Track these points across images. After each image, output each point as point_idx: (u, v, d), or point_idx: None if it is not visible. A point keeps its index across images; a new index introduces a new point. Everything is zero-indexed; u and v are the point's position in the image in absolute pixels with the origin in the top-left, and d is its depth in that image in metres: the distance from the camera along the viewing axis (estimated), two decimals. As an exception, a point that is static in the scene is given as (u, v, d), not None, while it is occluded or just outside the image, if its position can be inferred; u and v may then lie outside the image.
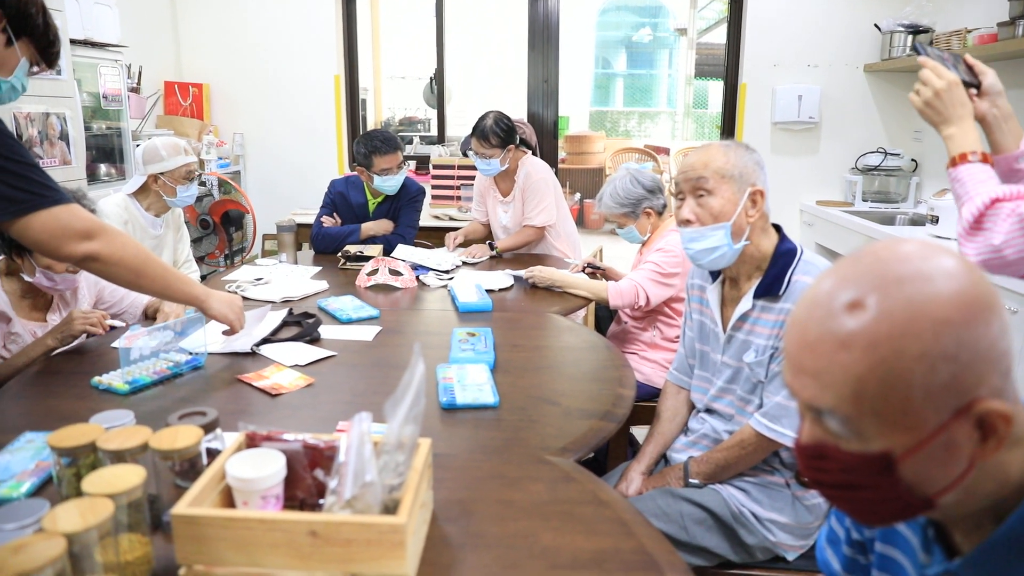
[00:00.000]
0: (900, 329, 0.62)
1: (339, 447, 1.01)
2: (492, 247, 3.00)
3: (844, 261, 0.70)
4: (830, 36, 4.30)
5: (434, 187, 4.34)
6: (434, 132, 5.53)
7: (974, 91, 1.32)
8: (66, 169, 2.94)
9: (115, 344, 1.87)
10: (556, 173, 4.67)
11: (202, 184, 4.02)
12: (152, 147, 2.67)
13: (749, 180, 1.53)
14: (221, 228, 3.77)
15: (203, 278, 3.94)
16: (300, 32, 4.55)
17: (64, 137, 2.95)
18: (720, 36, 8.30)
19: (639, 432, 2.42)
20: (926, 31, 4.02)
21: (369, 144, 2.90)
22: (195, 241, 3.85)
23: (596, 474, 1.26)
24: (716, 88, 9.28)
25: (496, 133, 2.99)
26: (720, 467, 1.59)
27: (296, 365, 1.74)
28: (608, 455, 2.21)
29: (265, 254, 4.61)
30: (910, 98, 1.33)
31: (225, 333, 1.77)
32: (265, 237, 4.62)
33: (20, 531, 0.92)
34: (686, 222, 1.56)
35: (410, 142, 5.08)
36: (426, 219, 3.65)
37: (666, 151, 8.30)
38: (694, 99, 9.65)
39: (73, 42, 3.07)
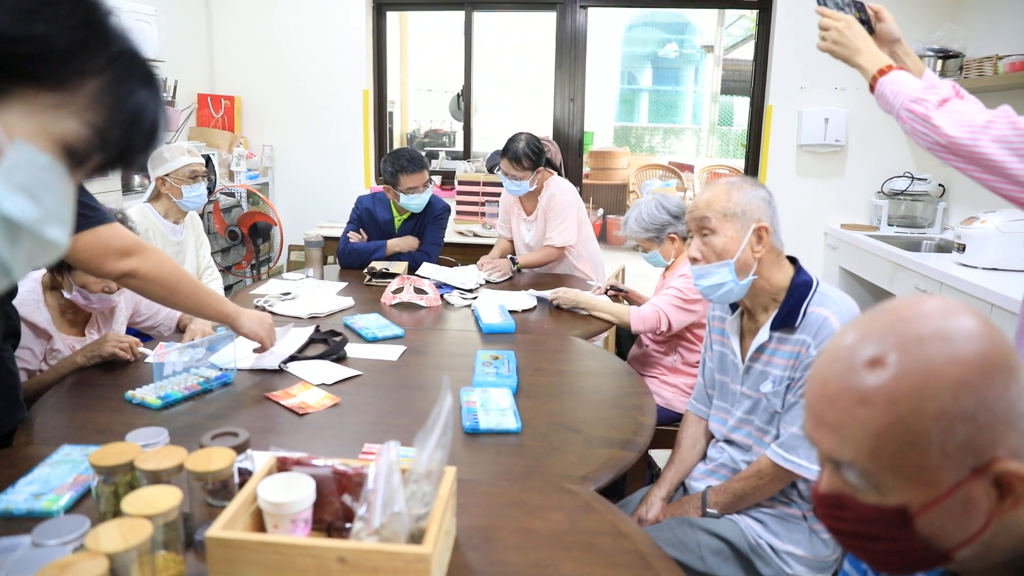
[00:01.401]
0: (919, 388, 0.64)
1: (367, 474, 1.04)
2: (514, 262, 3.03)
3: (866, 316, 0.72)
4: (858, 59, 4.29)
5: (459, 203, 4.39)
6: (459, 147, 5.59)
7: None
8: (102, 181, 3.02)
9: (148, 359, 1.92)
10: (580, 189, 4.71)
11: (231, 195, 4.10)
12: (156, 151, 2.74)
13: (753, 217, 1.56)
14: (249, 239, 3.84)
15: (228, 289, 4.01)
16: (330, 46, 4.63)
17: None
18: (747, 53, 8.29)
19: (658, 455, 2.43)
20: (956, 56, 4.01)
21: (396, 163, 2.95)
22: (223, 251, 3.93)
23: (614, 495, 1.28)
24: (742, 104, 9.26)
25: (528, 156, 3.03)
26: (738, 497, 1.60)
27: (323, 384, 1.78)
28: (627, 478, 2.22)
29: (291, 265, 4.68)
30: (817, 45, 1.58)
31: (256, 350, 1.81)
32: (291, 248, 4.70)
33: (62, 548, 0.96)
34: (694, 260, 1.61)
35: (435, 157, 5.14)
36: (451, 235, 3.69)
37: (690, 168, 8.29)
38: (719, 116, 9.64)
39: (113, 57, 3.15)
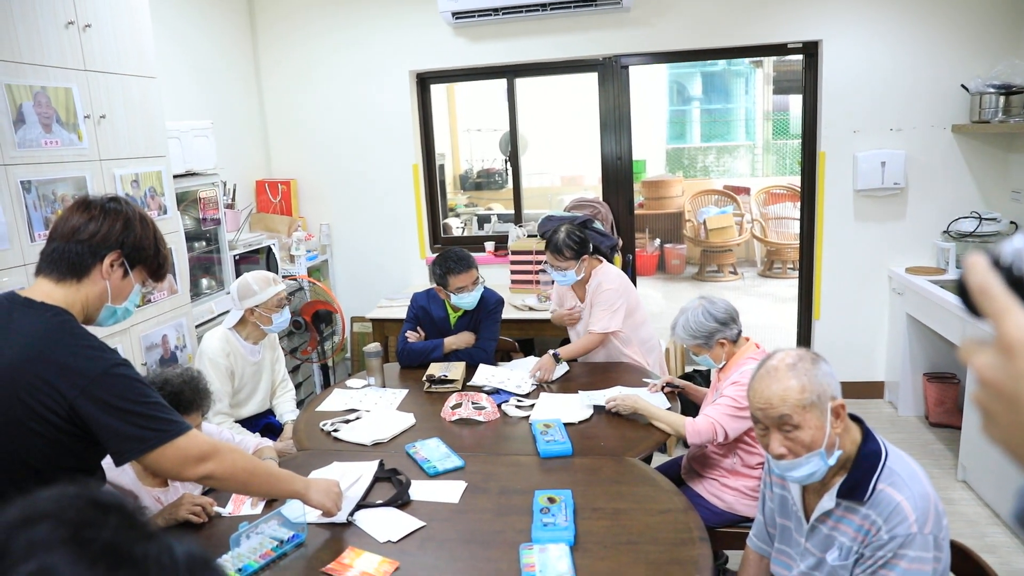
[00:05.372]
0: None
1: None
2: (556, 358, 3.03)
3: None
4: (912, 98, 4.17)
5: (513, 272, 4.44)
6: (511, 183, 5.58)
7: None
8: (173, 299, 3.18)
9: (224, 514, 2.02)
10: (632, 221, 4.69)
11: (292, 278, 4.26)
12: (245, 283, 2.88)
13: (828, 396, 1.54)
14: (312, 327, 3.98)
15: (298, 387, 4.16)
16: (378, 123, 4.76)
17: (171, 269, 3.20)
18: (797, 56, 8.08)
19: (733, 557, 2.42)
20: (1020, 92, 3.85)
21: (444, 265, 3.03)
22: (288, 335, 4.09)
23: None
24: (796, 102, 8.98)
25: (569, 246, 3.06)
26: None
27: (388, 541, 1.85)
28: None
29: (355, 338, 4.82)
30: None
31: (323, 516, 1.90)
32: (354, 320, 4.84)
33: None
34: (780, 456, 1.56)
35: (488, 220, 5.21)
36: (507, 311, 3.74)
37: (746, 191, 8.14)
38: (774, 130, 9.44)
39: (176, 176, 3.32)
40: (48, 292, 1.56)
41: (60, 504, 0.56)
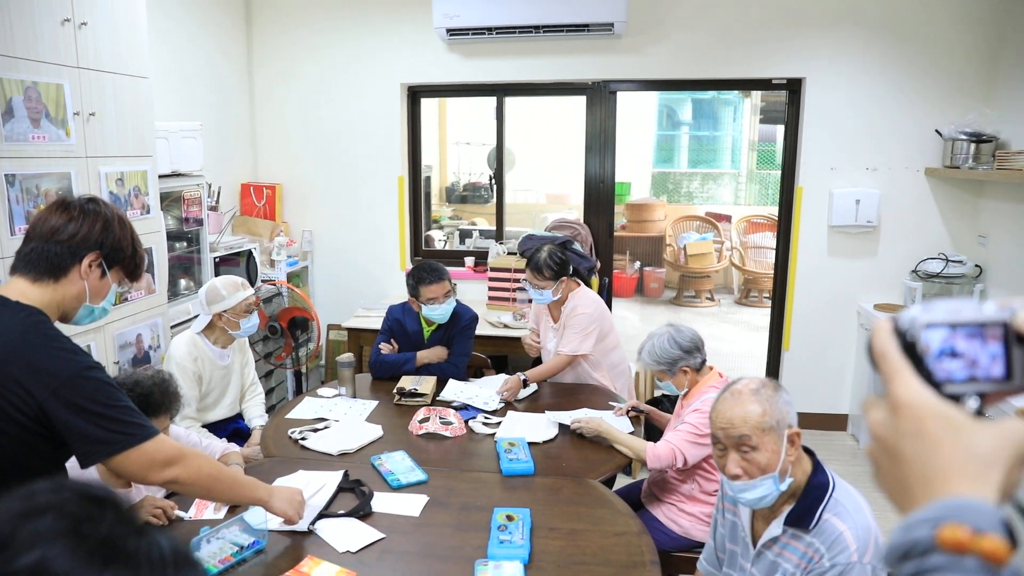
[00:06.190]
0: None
1: None
2: (525, 382, 3.07)
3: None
4: (889, 140, 4.29)
5: (490, 288, 4.50)
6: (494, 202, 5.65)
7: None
8: (150, 298, 3.20)
9: (185, 518, 2.05)
10: (611, 242, 4.75)
11: (271, 283, 4.28)
12: (213, 288, 2.91)
13: (786, 423, 1.61)
14: (288, 333, 4.00)
15: (269, 392, 4.17)
16: (367, 133, 4.81)
17: (149, 269, 3.22)
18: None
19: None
20: (989, 140, 3.97)
21: (416, 275, 3.09)
22: (263, 340, 4.10)
23: None
24: (782, 133, 9.14)
25: (549, 266, 3.12)
26: None
27: (347, 551, 1.88)
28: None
29: (330, 346, 4.85)
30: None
31: (284, 523, 1.93)
32: (330, 327, 4.87)
33: None
34: (735, 476, 1.63)
35: (469, 236, 5.27)
36: (481, 326, 3.78)
37: (728, 218, 8.27)
38: (758, 160, 9.59)
39: (161, 176, 3.35)
40: (23, 291, 1.58)
41: (60, 497, 0.59)
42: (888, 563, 0.50)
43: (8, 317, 1.53)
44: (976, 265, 4.20)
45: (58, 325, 1.61)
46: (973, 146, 4.00)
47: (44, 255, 1.60)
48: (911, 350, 0.56)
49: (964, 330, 0.54)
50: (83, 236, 1.63)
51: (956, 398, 0.53)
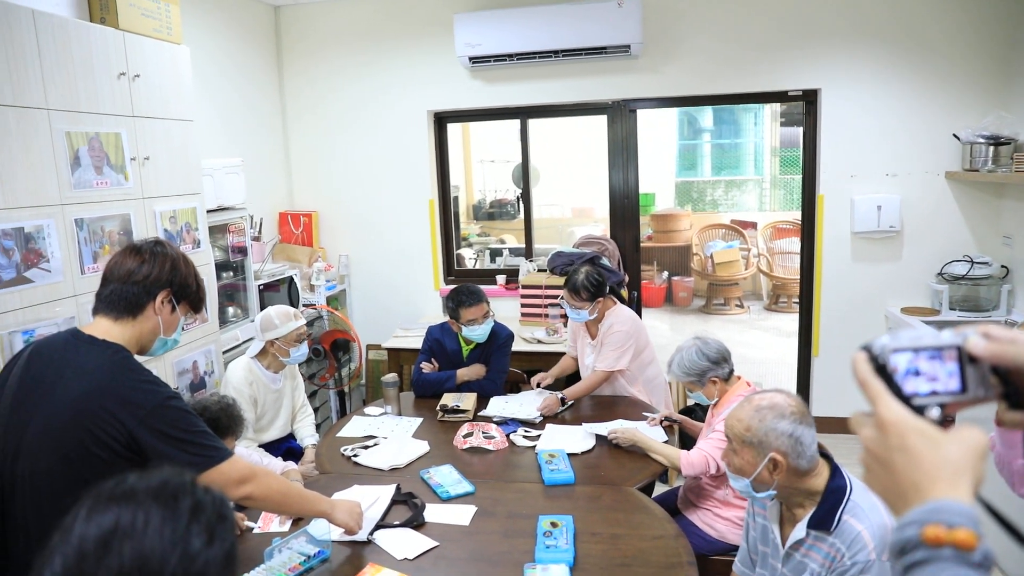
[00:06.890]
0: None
1: None
2: (563, 401, 3.19)
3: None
4: (907, 145, 4.36)
5: (523, 304, 4.64)
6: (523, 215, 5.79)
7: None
8: (203, 327, 3.40)
9: (255, 529, 2.21)
10: (638, 255, 4.87)
11: (312, 307, 4.47)
12: (267, 317, 3.10)
13: (771, 447, 1.74)
14: (331, 355, 4.18)
15: (317, 410, 4.35)
16: (396, 159, 5.00)
17: (203, 299, 3.42)
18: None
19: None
20: (1007, 143, 4.04)
21: (456, 299, 3.24)
22: (307, 362, 4.29)
23: None
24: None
25: (587, 288, 3.24)
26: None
27: (405, 559, 2.03)
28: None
29: (370, 365, 5.02)
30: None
31: (345, 534, 2.09)
32: (370, 347, 5.04)
33: None
34: (725, 462, 1.88)
35: (500, 254, 5.42)
36: (517, 343, 3.92)
37: (753, 225, 8.33)
38: (780, 166, 9.64)
39: (208, 211, 3.56)
40: (107, 330, 1.77)
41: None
42: (889, 558, 0.63)
43: (97, 355, 1.70)
44: (1002, 266, 4.24)
45: (136, 357, 1.79)
46: (992, 149, 4.06)
47: (123, 296, 1.78)
48: (883, 371, 0.68)
49: (925, 353, 0.67)
50: (155, 276, 1.81)
51: (921, 409, 0.66)
